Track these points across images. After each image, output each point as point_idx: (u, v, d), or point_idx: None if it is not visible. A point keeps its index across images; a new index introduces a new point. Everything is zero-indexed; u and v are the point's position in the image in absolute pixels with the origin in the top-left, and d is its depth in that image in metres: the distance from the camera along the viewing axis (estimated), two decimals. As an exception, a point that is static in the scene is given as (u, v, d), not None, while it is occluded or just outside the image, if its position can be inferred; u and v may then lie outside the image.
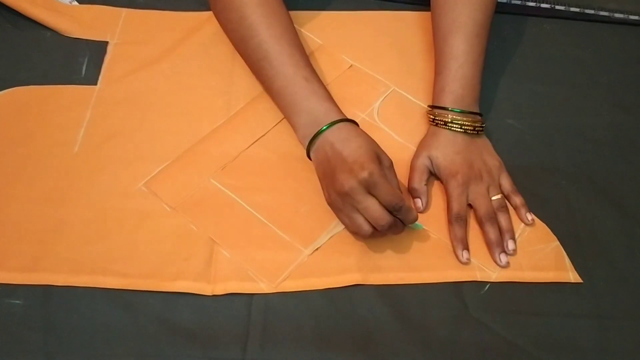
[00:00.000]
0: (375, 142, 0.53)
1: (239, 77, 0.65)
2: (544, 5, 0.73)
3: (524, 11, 0.73)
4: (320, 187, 0.55)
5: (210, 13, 0.70)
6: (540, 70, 0.68)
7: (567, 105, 0.65)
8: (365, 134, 0.54)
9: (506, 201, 0.57)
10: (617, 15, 0.73)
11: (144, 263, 0.52)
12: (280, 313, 0.51)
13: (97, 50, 0.67)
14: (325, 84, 0.64)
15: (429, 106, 0.61)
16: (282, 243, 0.54)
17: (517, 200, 0.57)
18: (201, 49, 0.67)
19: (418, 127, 0.62)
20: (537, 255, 0.54)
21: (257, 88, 0.64)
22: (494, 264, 0.54)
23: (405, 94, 0.65)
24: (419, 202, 0.57)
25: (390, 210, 0.50)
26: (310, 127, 0.54)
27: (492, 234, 0.54)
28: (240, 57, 0.64)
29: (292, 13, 0.70)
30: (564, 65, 0.69)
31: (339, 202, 0.51)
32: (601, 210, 0.58)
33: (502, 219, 0.55)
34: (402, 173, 0.58)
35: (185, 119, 0.62)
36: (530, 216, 0.56)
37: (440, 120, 0.58)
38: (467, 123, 0.57)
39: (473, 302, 0.52)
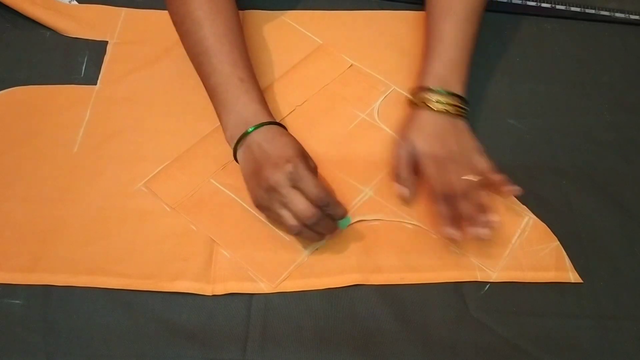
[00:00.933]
0: (302, 145, 0.53)
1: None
2: (544, 5, 0.73)
3: (524, 11, 0.73)
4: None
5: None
6: (541, 69, 0.68)
7: (568, 105, 0.65)
8: (292, 136, 0.53)
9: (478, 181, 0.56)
10: (617, 14, 0.73)
11: (144, 263, 0.52)
12: (280, 313, 0.51)
13: (96, 50, 0.67)
14: (324, 84, 0.64)
15: (410, 89, 0.61)
16: (282, 243, 0.54)
17: (497, 177, 0.57)
18: (201, 49, 0.67)
19: (418, 126, 0.62)
20: (537, 255, 0.54)
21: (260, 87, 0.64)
22: (495, 264, 0.54)
23: (405, 93, 0.65)
24: (406, 192, 0.56)
25: (318, 204, 0.49)
26: (239, 127, 0.53)
27: (466, 209, 0.54)
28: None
29: (293, 13, 0.71)
30: (565, 65, 0.69)
31: (265, 199, 0.50)
32: (602, 210, 0.57)
33: (476, 196, 0.55)
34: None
35: (185, 119, 0.62)
36: (514, 187, 0.56)
37: (422, 101, 0.58)
38: (449, 103, 0.57)
39: (473, 302, 0.52)
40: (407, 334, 0.50)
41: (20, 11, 0.67)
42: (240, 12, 0.70)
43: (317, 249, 0.54)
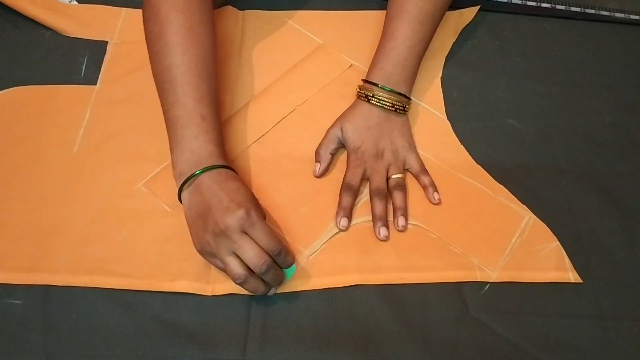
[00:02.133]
0: (252, 192, 0.51)
1: (243, 77, 0.65)
2: (544, 5, 0.73)
3: (524, 10, 0.73)
4: (319, 188, 0.55)
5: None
6: (541, 70, 0.68)
7: (568, 105, 0.65)
8: (243, 181, 0.52)
9: (405, 182, 0.58)
10: (617, 14, 0.73)
11: (144, 263, 0.52)
12: (280, 313, 0.51)
13: (96, 49, 0.67)
14: (324, 84, 0.64)
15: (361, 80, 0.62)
16: (284, 243, 0.54)
17: (426, 180, 0.58)
18: (201, 49, 0.67)
19: (418, 127, 0.62)
20: (537, 255, 0.54)
21: (260, 88, 0.64)
22: (495, 264, 0.54)
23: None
24: (317, 167, 0.58)
25: (269, 252, 0.47)
26: (190, 166, 0.50)
27: (377, 208, 0.55)
28: (243, 57, 0.64)
29: (293, 13, 0.71)
30: (565, 65, 0.68)
31: (212, 244, 0.47)
32: (601, 210, 0.57)
33: (397, 196, 0.56)
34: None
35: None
36: (437, 196, 0.57)
37: (363, 94, 0.59)
38: (386, 99, 0.58)
39: (473, 302, 0.52)
40: (407, 334, 0.50)
41: (20, 11, 0.67)
42: (240, 12, 0.71)
43: (316, 250, 0.54)
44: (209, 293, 0.51)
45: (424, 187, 0.58)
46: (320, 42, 0.68)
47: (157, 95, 0.63)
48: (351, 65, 0.67)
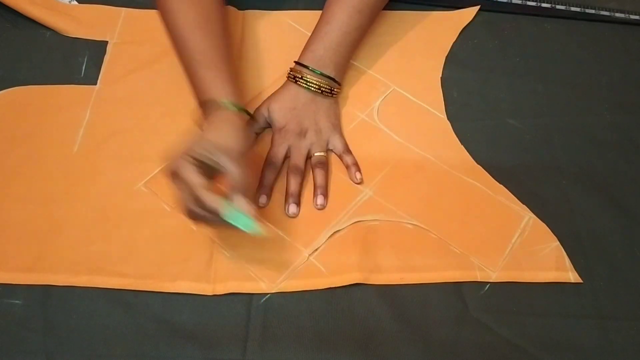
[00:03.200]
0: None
1: (243, 77, 0.65)
2: (544, 5, 0.73)
3: (524, 11, 0.73)
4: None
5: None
6: (541, 70, 0.68)
7: (568, 105, 0.65)
8: (240, 132, 0.51)
9: (327, 161, 0.59)
10: (617, 15, 0.73)
11: (144, 263, 0.52)
12: (280, 313, 0.51)
13: (96, 50, 0.67)
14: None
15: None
16: (283, 243, 0.54)
17: (348, 159, 0.59)
18: (201, 49, 0.67)
19: (418, 127, 0.62)
20: (537, 255, 0.54)
21: (258, 88, 0.64)
22: (494, 264, 0.54)
23: (405, 93, 0.65)
24: None
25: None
26: (223, 94, 0.53)
27: (291, 185, 0.56)
28: (243, 57, 0.64)
29: (293, 13, 0.71)
30: (565, 65, 0.69)
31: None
32: (602, 210, 0.57)
33: (317, 174, 0.57)
34: (399, 174, 0.58)
35: (185, 119, 0.61)
36: (359, 175, 0.58)
37: (292, 75, 0.60)
38: (314, 81, 0.59)
39: (473, 302, 0.52)
40: (407, 334, 0.50)
41: (20, 11, 0.67)
42: (241, 12, 0.71)
43: (317, 249, 0.54)
44: (209, 293, 0.51)
45: (347, 167, 0.59)
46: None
47: (157, 95, 0.63)
48: (351, 65, 0.67)
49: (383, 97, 0.64)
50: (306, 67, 0.60)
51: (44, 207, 0.55)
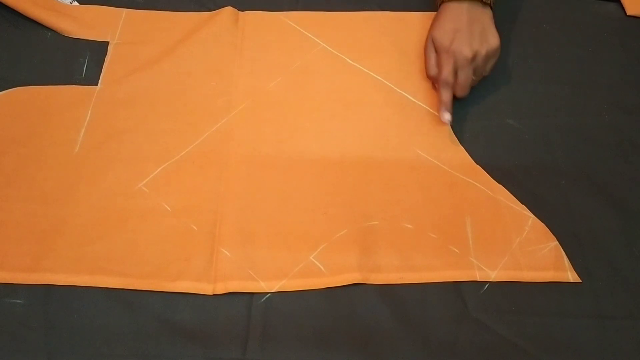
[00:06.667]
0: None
1: (239, 77, 0.65)
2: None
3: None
4: (319, 189, 0.55)
5: (210, 13, 0.70)
6: (540, 70, 0.68)
7: (567, 105, 0.65)
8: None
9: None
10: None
11: (145, 263, 0.52)
12: (280, 312, 0.51)
13: (97, 50, 0.67)
14: (324, 85, 0.64)
15: None
16: (284, 243, 0.54)
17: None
18: (201, 49, 0.67)
19: (418, 127, 0.62)
20: (536, 255, 0.54)
21: (258, 88, 0.64)
22: (493, 263, 0.54)
23: (405, 94, 0.65)
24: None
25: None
26: None
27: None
28: (243, 57, 0.64)
29: (293, 13, 0.71)
30: (564, 65, 0.69)
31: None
32: (601, 210, 0.58)
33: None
34: (399, 174, 0.58)
35: (185, 119, 0.62)
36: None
37: None
38: None
39: (473, 301, 0.52)
40: (406, 334, 0.50)
41: (21, 12, 0.68)
42: (241, 12, 0.71)
43: (321, 249, 0.54)
44: (209, 292, 0.51)
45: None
46: (320, 43, 0.69)
47: (158, 95, 0.64)
48: (351, 66, 0.67)
49: (383, 97, 0.64)
50: None
51: (45, 207, 0.55)
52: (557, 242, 0.55)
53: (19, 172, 0.57)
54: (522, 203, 0.57)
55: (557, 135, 0.63)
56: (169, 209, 0.56)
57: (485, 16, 0.62)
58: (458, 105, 0.64)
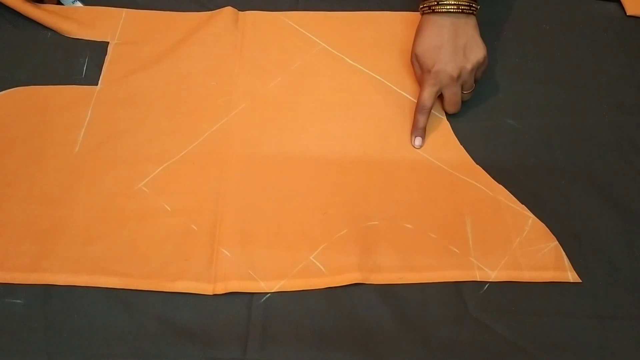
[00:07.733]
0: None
1: (239, 77, 0.65)
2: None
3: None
4: (319, 189, 0.55)
5: (210, 13, 0.70)
6: (540, 70, 0.68)
7: (567, 105, 0.65)
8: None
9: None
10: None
11: (145, 263, 0.52)
12: (280, 312, 0.51)
13: (97, 50, 0.67)
14: (324, 85, 0.64)
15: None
16: (284, 243, 0.54)
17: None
18: (201, 49, 0.67)
19: (418, 127, 0.62)
20: (536, 255, 0.54)
21: (257, 88, 0.64)
22: (493, 263, 0.54)
23: (405, 94, 0.65)
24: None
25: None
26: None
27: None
28: (243, 57, 0.64)
29: (293, 13, 0.71)
30: (564, 65, 0.69)
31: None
32: (601, 210, 0.58)
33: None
34: (398, 174, 0.58)
35: (185, 119, 0.62)
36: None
37: (426, 7, 0.59)
38: (451, 2, 0.57)
39: (473, 301, 0.52)
40: (406, 334, 0.50)
41: (21, 12, 0.68)
42: (240, 12, 0.71)
43: (321, 249, 0.54)
44: (209, 292, 0.51)
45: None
46: (320, 43, 0.69)
47: (158, 95, 0.64)
48: (351, 66, 0.67)
49: (383, 96, 0.64)
50: None
51: (45, 207, 0.55)
52: (557, 242, 0.55)
53: (19, 172, 0.57)
54: (522, 203, 0.57)
55: (557, 135, 0.63)
56: (169, 209, 0.56)
57: (468, 27, 0.59)
58: (458, 105, 0.64)
